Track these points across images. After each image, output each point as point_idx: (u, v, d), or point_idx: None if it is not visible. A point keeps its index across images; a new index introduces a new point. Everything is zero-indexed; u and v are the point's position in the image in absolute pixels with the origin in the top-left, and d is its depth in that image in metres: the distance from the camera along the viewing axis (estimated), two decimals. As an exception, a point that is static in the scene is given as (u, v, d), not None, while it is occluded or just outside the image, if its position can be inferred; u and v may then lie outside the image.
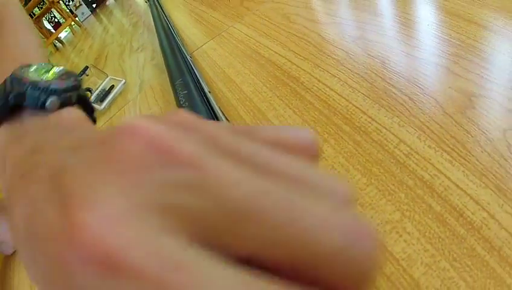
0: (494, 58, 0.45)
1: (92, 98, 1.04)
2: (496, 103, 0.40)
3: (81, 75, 1.11)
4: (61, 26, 4.03)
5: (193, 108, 0.58)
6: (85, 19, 3.77)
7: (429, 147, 0.39)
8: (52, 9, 3.99)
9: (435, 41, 0.52)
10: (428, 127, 0.41)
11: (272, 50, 0.70)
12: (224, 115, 0.57)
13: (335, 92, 0.51)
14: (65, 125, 0.25)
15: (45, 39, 3.65)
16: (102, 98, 1.02)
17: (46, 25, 3.91)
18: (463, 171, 0.35)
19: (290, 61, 0.64)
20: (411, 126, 0.42)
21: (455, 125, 0.40)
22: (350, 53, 0.58)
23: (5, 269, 0.71)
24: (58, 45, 3.59)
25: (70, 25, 4.05)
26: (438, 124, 0.41)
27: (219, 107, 0.57)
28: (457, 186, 0.35)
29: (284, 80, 0.59)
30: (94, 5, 3.89)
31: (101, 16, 2.94)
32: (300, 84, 0.56)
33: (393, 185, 0.36)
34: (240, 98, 0.62)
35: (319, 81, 0.55)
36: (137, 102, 0.89)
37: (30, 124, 0.26)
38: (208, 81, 0.74)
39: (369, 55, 0.56)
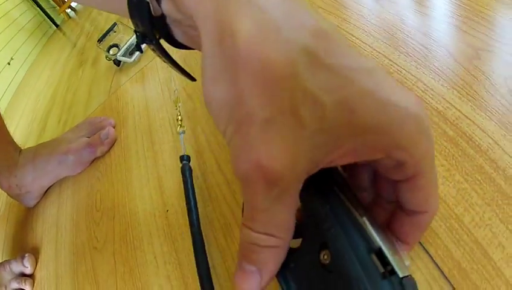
0: (498, 22, 0.50)
1: (121, 52, 1.04)
2: (499, 57, 0.45)
3: (110, 31, 1.11)
4: None
5: None
6: None
7: (442, 85, 0.44)
8: None
9: (447, 5, 0.56)
10: (441, 71, 0.46)
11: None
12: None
13: (360, 40, 0.57)
14: None
15: (57, 7, 3.56)
16: (131, 51, 1.03)
17: None
18: (471, 106, 0.41)
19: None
20: (427, 69, 0.47)
21: (464, 71, 0.45)
22: (373, 10, 0.63)
23: (28, 221, 0.73)
24: (72, 13, 3.51)
25: None
26: (450, 69, 0.46)
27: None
28: (466, 117, 0.40)
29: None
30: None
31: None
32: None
33: None
34: None
35: (346, 31, 0.60)
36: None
37: None
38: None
39: (389, 12, 0.60)
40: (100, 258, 0.55)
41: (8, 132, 0.73)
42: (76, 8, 3.49)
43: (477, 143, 0.38)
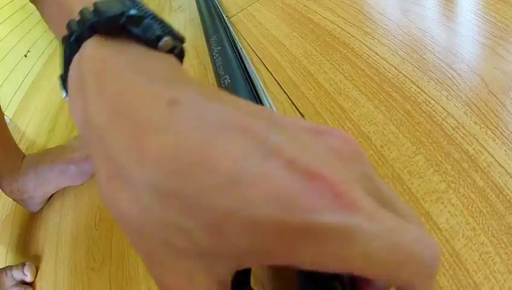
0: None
1: None
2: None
3: None
4: None
5: (225, 61, 0.58)
6: None
7: (475, 123, 0.40)
8: None
9: (481, 22, 0.51)
10: (474, 104, 0.41)
11: (320, 15, 0.70)
12: (270, 73, 0.58)
13: (385, 60, 0.52)
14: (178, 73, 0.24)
15: None
16: None
17: None
18: (505, 151, 0.36)
19: (339, 27, 0.64)
20: (458, 101, 0.42)
21: (499, 105, 0.40)
22: (400, 24, 0.58)
23: (32, 226, 0.71)
24: None
25: None
26: (483, 101, 0.41)
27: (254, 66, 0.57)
28: (499, 164, 0.36)
29: (334, 45, 0.59)
30: None
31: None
32: (351, 50, 0.56)
33: (441, 156, 0.38)
34: (289, 59, 0.62)
35: (369, 49, 0.55)
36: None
37: (140, 51, 0.24)
38: (254, 42, 0.74)
39: (418, 28, 0.56)
40: (97, 280, 0.52)
41: (11, 137, 0.71)
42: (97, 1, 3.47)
43: (508, 197, 0.33)
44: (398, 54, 0.52)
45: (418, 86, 0.46)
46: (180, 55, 0.27)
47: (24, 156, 0.73)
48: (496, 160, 0.36)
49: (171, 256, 0.18)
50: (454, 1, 0.58)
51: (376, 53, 0.54)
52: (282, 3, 0.82)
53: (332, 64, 0.56)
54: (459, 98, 0.43)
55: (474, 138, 0.38)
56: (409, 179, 0.37)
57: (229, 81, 0.52)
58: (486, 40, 0.48)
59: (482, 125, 0.39)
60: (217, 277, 0.19)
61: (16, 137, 1.15)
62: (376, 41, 0.56)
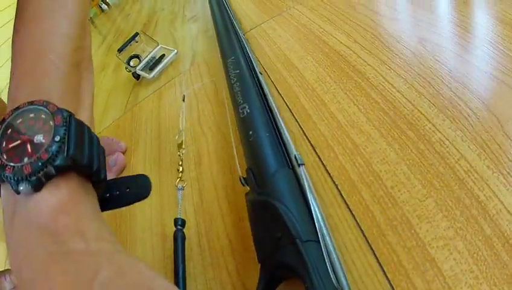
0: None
1: (141, 65, 1.01)
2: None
3: (131, 41, 1.08)
4: None
5: (244, 87, 0.58)
6: None
7: (488, 167, 0.40)
8: None
9: (498, 56, 0.51)
10: (488, 146, 0.41)
11: (336, 39, 0.70)
12: (282, 98, 0.58)
13: (401, 94, 0.52)
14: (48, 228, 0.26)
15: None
16: (152, 66, 1.00)
17: None
18: (516, 199, 0.37)
19: (355, 53, 0.64)
20: (473, 142, 0.42)
21: (514, 150, 0.41)
22: (417, 54, 0.58)
23: None
24: (104, 6, 3.52)
25: None
26: (497, 144, 0.41)
27: (272, 90, 0.57)
28: (509, 211, 0.36)
29: (349, 73, 0.60)
30: None
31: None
32: (366, 80, 0.57)
33: (451, 201, 0.38)
34: (302, 85, 0.63)
35: (385, 79, 0.55)
36: (189, 74, 0.88)
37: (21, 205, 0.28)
38: (267, 62, 0.74)
39: (436, 60, 0.55)
40: None
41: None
42: (110, 2, 3.51)
43: (514, 247, 0.34)
44: (414, 87, 0.52)
45: (433, 124, 0.46)
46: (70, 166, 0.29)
47: None
48: (505, 207, 0.36)
49: None
50: (471, 31, 0.58)
51: (392, 85, 0.54)
52: (297, 23, 0.82)
53: (346, 94, 0.56)
54: (474, 140, 0.43)
55: (486, 183, 0.38)
56: (418, 224, 0.37)
57: (248, 111, 0.52)
58: (504, 76, 0.48)
59: (494, 169, 0.39)
60: None
61: None
62: (392, 72, 0.56)
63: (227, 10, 0.93)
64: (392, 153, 0.45)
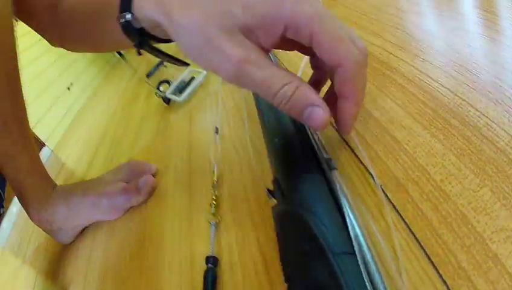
0: None
1: (171, 89, 1.02)
2: None
3: (159, 65, 1.10)
4: None
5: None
6: None
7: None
8: None
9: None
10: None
11: (366, 40, 0.67)
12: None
13: (439, 83, 0.49)
14: None
15: None
16: (181, 89, 1.00)
17: None
18: None
19: (386, 51, 0.61)
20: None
21: None
22: (449, 43, 0.55)
23: (61, 260, 0.71)
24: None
25: None
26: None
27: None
28: None
29: (383, 71, 0.57)
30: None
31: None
32: (401, 75, 0.54)
33: (508, 187, 0.34)
34: None
35: (420, 72, 0.52)
36: (219, 94, 0.87)
37: None
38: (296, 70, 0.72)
39: (469, 45, 0.53)
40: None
41: (42, 165, 0.72)
42: None
43: None
44: (451, 75, 0.49)
45: (476, 109, 0.43)
46: None
47: (55, 185, 0.73)
48: None
49: (227, 34, 0.35)
50: (497, 13, 0.56)
51: (428, 76, 0.51)
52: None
53: (381, 91, 0.53)
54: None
55: None
56: (474, 217, 0.34)
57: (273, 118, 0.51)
58: None
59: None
60: (252, 44, 0.36)
61: (56, 168, 1.21)
62: (427, 63, 0.53)
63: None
64: (438, 145, 0.41)
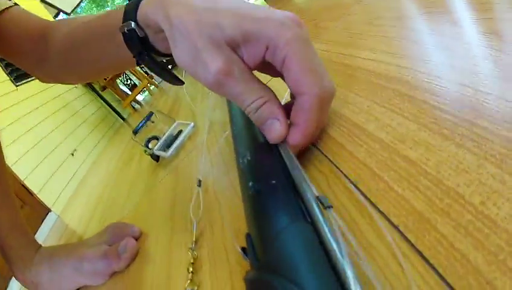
0: None
1: (158, 145, 0.98)
2: None
3: (146, 121, 1.09)
4: (136, 88, 4.17)
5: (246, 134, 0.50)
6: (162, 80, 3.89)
7: None
8: (127, 72, 4.24)
9: None
10: None
11: (359, 57, 0.59)
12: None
13: (452, 82, 0.38)
14: None
15: (121, 101, 3.80)
16: (169, 144, 0.97)
17: (121, 87, 4.13)
18: None
19: (384, 62, 0.52)
20: None
21: None
22: (454, 36, 0.47)
23: None
24: (136, 106, 3.72)
25: (147, 87, 4.18)
26: None
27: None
28: None
29: (382, 84, 0.47)
30: (170, 66, 4.06)
31: (177, 74, 3.11)
32: (405, 84, 0.44)
33: None
34: (329, 116, 0.50)
35: (428, 74, 0.42)
36: (204, 144, 0.81)
37: None
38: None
39: (479, 31, 0.44)
40: None
41: (25, 226, 0.74)
42: (141, 101, 3.69)
43: None
44: (465, 68, 0.39)
45: (507, 100, 0.32)
46: None
47: (39, 247, 0.73)
48: None
49: (213, 45, 0.38)
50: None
51: (438, 77, 0.40)
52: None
53: (384, 106, 0.42)
54: None
55: None
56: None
57: (249, 158, 0.43)
58: None
59: None
60: (237, 57, 0.39)
61: (60, 232, 1.27)
62: (432, 63, 0.43)
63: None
64: (468, 155, 0.30)
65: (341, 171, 0.39)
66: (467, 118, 0.33)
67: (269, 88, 0.41)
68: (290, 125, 0.40)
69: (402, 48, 0.53)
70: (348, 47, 0.66)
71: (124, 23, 0.46)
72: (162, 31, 0.42)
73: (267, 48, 0.38)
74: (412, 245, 0.27)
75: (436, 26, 0.53)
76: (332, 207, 0.28)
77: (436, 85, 0.40)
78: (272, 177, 0.36)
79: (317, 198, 0.29)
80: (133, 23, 0.45)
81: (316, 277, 0.24)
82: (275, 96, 0.41)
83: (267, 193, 0.35)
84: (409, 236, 0.28)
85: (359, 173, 0.37)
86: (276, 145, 0.41)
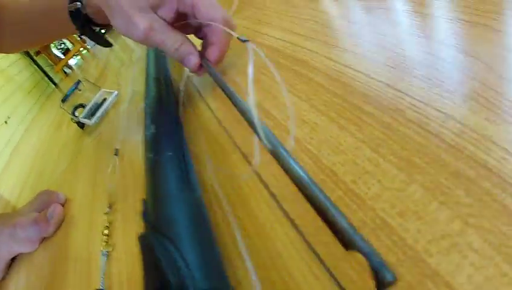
0: None
1: (84, 113, 0.97)
2: None
3: (73, 90, 1.07)
4: (69, 52, 4.04)
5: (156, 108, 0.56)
6: (94, 44, 3.78)
7: (487, 120, 0.27)
8: None
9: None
10: (480, 95, 0.29)
11: (272, 36, 0.60)
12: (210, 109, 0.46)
13: (351, 68, 0.40)
14: None
15: (54, 66, 3.69)
16: (94, 112, 0.97)
17: (54, 52, 3.96)
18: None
19: (292, 43, 0.53)
20: (456, 96, 0.30)
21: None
22: (365, 25, 0.48)
23: None
24: (68, 70, 3.62)
25: (79, 51, 4.05)
26: (493, 89, 0.29)
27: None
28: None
29: (287, 65, 0.48)
30: (103, 31, 3.95)
31: (109, 39, 2.99)
32: (307, 66, 0.45)
33: (446, 179, 0.25)
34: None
35: (330, 59, 0.43)
36: (124, 114, 0.82)
37: None
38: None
39: (387, 23, 0.45)
40: None
41: None
42: (73, 66, 3.58)
43: None
44: (366, 57, 0.40)
45: (397, 89, 0.33)
46: None
47: None
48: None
49: (140, 11, 0.48)
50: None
51: (337, 62, 0.42)
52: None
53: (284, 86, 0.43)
54: (457, 93, 0.30)
55: (491, 141, 0.25)
56: (401, 224, 0.24)
57: (153, 131, 0.48)
58: (473, 16, 0.38)
59: (498, 120, 0.26)
60: (157, 17, 0.50)
61: None
62: (338, 49, 0.45)
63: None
64: (349, 138, 0.31)
65: (237, 146, 0.40)
66: (355, 102, 0.34)
67: (185, 35, 0.52)
68: (207, 47, 0.52)
69: (314, 31, 0.53)
70: (264, 26, 0.66)
71: (71, 4, 0.58)
72: (100, 9, 0.53)
73: (177, 3, 0.50)
74: (285, 212, 0.28)
75: (347, 13, 0.54)
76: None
77: (335, 70, 0.41)
78: (169, 149, 0.42)
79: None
80: (79, 3, 0.58)
81: (189, 234, 0.29)
82: (189, 40, 0.52)
83: (162, 164, 0.39)
84: (284, 204, 0.29)
85: (247, 149, 0.37)
86: (179, 120, 0.51)
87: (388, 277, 0.18)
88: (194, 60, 0.51)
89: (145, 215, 0.34)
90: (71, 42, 4.27)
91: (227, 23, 0.51)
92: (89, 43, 4.08)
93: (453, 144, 0.26)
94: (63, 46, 5.18)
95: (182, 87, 0.60)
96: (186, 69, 0.54)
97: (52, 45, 3.89)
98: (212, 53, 0.52)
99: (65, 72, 3.64)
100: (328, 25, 0.53)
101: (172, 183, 0.36)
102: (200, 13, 0.51)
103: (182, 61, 0.52)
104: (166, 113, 0.53)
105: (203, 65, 0.52)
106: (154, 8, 0.51)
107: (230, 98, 0.36)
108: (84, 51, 4.09)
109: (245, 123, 0.32)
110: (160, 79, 0.68)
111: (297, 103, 0.39)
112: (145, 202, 0.36)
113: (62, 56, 4.04)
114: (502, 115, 0.26)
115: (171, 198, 0.34)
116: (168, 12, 0.51)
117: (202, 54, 0.52)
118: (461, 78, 0.31)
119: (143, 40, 0.50)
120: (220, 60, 0.54)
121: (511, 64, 0.30)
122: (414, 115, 0.30)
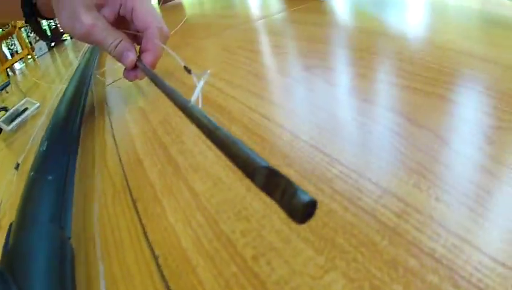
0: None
1: (4, 117, 0.99)
2: None
3: (2, 89, 1.09)
4: (16, 56, 3.92)
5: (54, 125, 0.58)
6: (42, 55, 3.69)
7: (436, 199, 0.21)
8: (14, 36, 4.07)
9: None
10: (428, 169, 0.24)
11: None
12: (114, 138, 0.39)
13: (274, 122, 0.35)
14: None
15: (0, 65, 3.64)
16: (14, 118, 0.98)
17: (4, 50, 3.92)
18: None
19: (218, 89, 0.49)
20: (399, 169, 0.24)
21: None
22: (300, 81, 0.44)
23: None
24: (10, 73, 3.54)
25: (25, 57, 3.95)
26: (443, 163, 0.24)
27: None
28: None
29: (207, 110, 0.41)
30: (53, 44, 3.87)
31: (56, 53, 2.88)
32: (227, 114, 0.40)
33: (379, 269, 0.19)
34: (142, 126, 0.48)
35: (253, 110, 0.39)
36: (36, 129, 0.78)
37: None
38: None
39: (326, 83, 0.41)
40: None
41: None
42: (17, 70, 3.58)
43: None
44: (294, 113, 0.35)
45: (326, 154, 0.28)
46: None
47: None
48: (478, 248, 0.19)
49: (86, 8, 0.50)
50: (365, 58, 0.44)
51: (262, 115, 0.37)
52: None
53: (197, 133, 0.37)
54: (399, 165, 0.25)
55: (440, 225, 0.20)
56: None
57: (44, 148, 0.49)
58: (410, 82, 0.34)
59: (450, 200, 0.21)
60: (101, 16, 0.51)
61: None
62: (266, 101, 0.40)
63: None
64: (256, 202, 0.25)
65: (129, 187, 0.34)
66: (273, 162, 0.28)
67: (124, 34, 0.52)
68: (142, 53, 0.53)
69: (244, 79, 0.50)
70: (193, 67, 0.61)
71: None
72: (49, 1, 0.54)
73: (120, 6, 0.52)
74: (165, 282, 0.21)
75: (285, 67, 0.51)
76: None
77: (255, 122, 0.36)
78: (52, 172, 0.41)
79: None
80: None
81: (41, 274, 0.25)
82: (128, 38, 0.53)
83: (38, 186, 0.38)
84: (165, 271, 0.22)
85: (142, 193, 0.30)
86: (77, 141, 0.53)
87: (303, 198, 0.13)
88: (131, 56, 0.53)
89: (6, 244, 0.30)
90: (21, 46, 4.20)
91: (161, 31, 0.53)
92: (38, 52, 4.03)
93: (391, 225, 0.20)
94: (13, 47, 5.09)
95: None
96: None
97: (4, 43, 3.85)
98: (146, 59, 0.53)
99: (8, 75, 3.56)
100: (261, 76, 0.49)
101: (42, 210, 0.33)
102: (137, 19, 0.52)
103: (119, 58, 0.53)
104: (63, 133, 0.55)
105: (138, 65, 0.52)
106: (98, 7, 0.52)
107: (168, 96, 0.32)
108: (30, 60, 4.03)
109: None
110: (74, 99, 0.71)
111: (206, 153, 0.33)
112: (10, 225, 0.33)
113: (10, 57, 4.00)
114: (454, 194, 0.21)
115: (36, 226, 0.31)
116: (110, 13, 0.53)
117: (138, 57, 0.53)
118: (405, 149, 0.26)
119: (85, 36, 0.52)
120: (153, 66, 0.55)
121: (465, 137, 0.25)
122: (344, 186, 0.24)
